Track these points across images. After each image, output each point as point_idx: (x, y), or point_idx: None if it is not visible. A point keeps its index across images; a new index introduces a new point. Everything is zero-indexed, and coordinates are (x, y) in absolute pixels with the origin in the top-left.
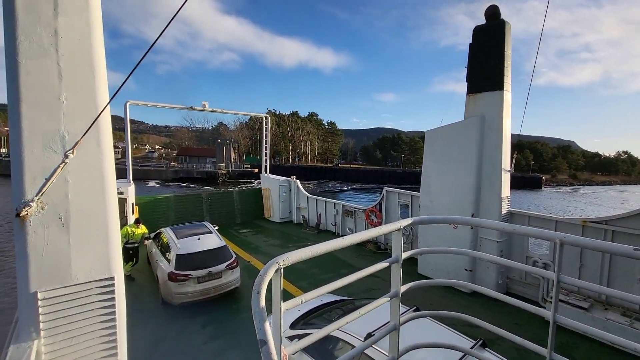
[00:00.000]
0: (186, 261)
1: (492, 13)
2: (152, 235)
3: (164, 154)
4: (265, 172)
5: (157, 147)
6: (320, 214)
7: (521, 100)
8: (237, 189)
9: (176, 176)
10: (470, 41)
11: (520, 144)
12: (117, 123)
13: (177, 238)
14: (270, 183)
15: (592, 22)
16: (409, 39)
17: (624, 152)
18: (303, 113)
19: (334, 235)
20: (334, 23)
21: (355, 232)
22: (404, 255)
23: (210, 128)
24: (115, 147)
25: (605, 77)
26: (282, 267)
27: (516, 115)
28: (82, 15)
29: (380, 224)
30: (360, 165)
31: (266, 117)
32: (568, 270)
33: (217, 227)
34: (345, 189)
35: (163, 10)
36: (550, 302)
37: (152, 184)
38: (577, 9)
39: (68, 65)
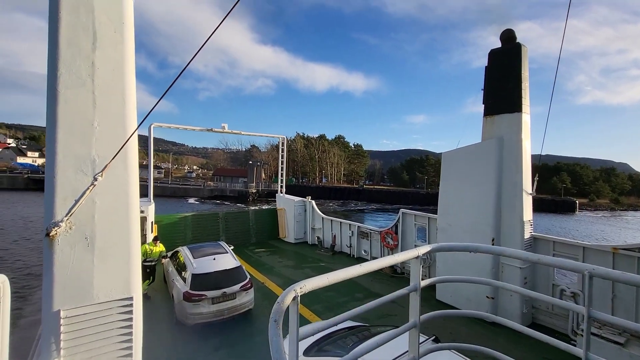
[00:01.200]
0: (201, 281)
1: (508, 37)
2: (169, 253)
3: (201, 174)
4: (281, 192)
5: (195, 167)
6: (335, 235)
7: (559, 119)
8: (251, 209)
9: (211, 194)
10: (486, 64)
11: (557, 167)
12: (161, 145)
13: (194, 257)
14: (285, 203)
15: (637, 38)
16: (439, 61)
17: None
18: (332, 135)
19: (348, 257)
20: (364, 48)
21: (370, 254)
22: (423, 283)
23: (244, 150)
24: (159, 167)
25: None
26: (299, 294)
27: (552, 137)
28: (117, 48)
29: (396, 246)
30: (384, 187)
31: (283, 139)
32: (600, 301)
33: (232, 247)
34: (366, 209)
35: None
36: (582, 335)
37: (191, 200)
38: (621, 25)
39: (102, 94)
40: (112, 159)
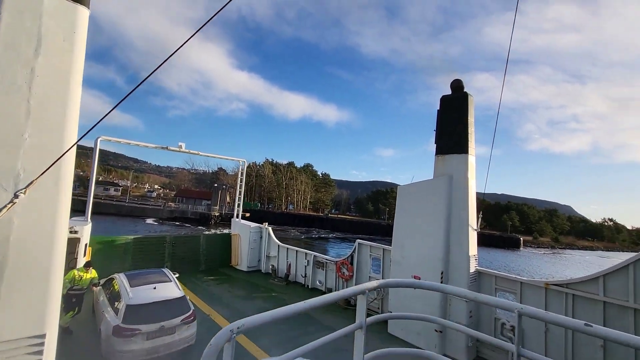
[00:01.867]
0: (137, 313)
1: (457, 86)
2: (102, 281)
3: (162, 194)
4: (237, 217)
5: (156, 186)
6: (290, 264)
7: (512, 162)
8: (204, 233)
9: (171, 215)
10: (439, 108)
11: (508, 206)
12: (121, 161)
13: (131, 286)
14: (240, 229)
15: (577, 96)
16: (407, 100)
17: (609, 219)
18: (301, 163)
19: (303, 287)
20: (339, 82)
21: (325, 284)
22: (369, 320)
23: (210, 172)
24: (116, 185)
25: (595, 146)
26: (235, 335)
27: (507, 178)
28: (64, 57)
29: (351, 277)
30: (349, 216)
31: (244, 163)
32: (534, 333)
33: (177, 275)
34: (328, 237)
35: (182, 61)
36: None
37: (149, 221)
38: (562, 84)
39: (39, 104)
40: (41, 174)
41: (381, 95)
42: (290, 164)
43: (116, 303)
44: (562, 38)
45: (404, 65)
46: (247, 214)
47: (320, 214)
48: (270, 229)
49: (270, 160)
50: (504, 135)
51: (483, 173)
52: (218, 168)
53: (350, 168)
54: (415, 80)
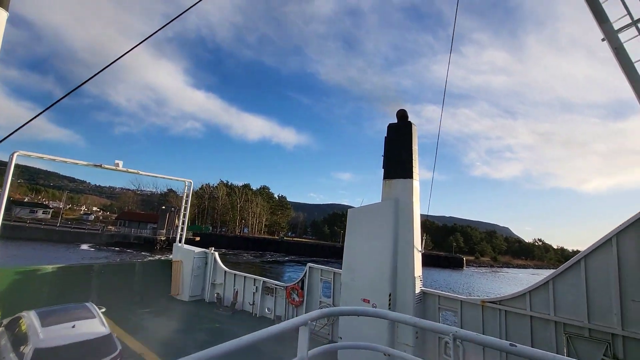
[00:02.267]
0: (49, 358)
1: (402, 115)
2: (5, 321)
3: (101, 217)
4: (180, 242)
5: (95, 208)
6: (237, 292)
7: (459, 186)
8: (140, 260)
9: (111, 240)
10: (386, 135)
11: (454, 228)
12: (53, 180)
13: (42, 325)
14: (183, 255)
15: (510, 129)
16: (364, 127)
17: (539, 239)
18: (259, 185)
19: (250, 316)
20: (298, 106)
21: (274, 312)
22: (310, 353)
23: (159, 193)
24: (45, 206)
25: (527, 174)
26: None
27: (454, 201)
28: None
29: (301, 302)
30: (304, 239)
31: (190, 184)
32: (473, 351)
33: (103, 309)
34: (281, 260)
35: (133, 77)
36: None
37: (85, 247)
38: (497, 118)
39: None
40: None
41: (340, 121)
42: (246, 186)
43: (22, 347)
44: (496, 78)
45: (361, 93)
46: (197, 238)
47: (276, 237)
48: (216, 254)
49: (225, 182)
50: (451, 162)
51: (430, 196)
52: (167, 189)
53: (308, 191)
54: (372, 108)
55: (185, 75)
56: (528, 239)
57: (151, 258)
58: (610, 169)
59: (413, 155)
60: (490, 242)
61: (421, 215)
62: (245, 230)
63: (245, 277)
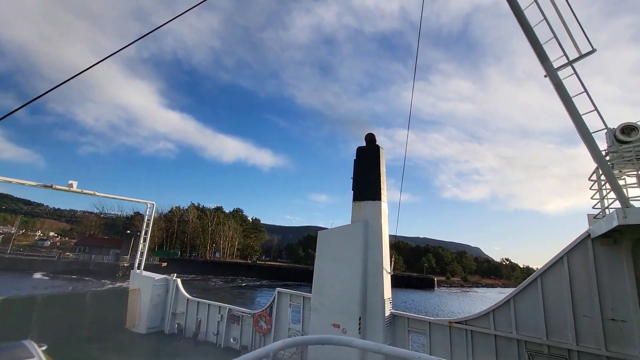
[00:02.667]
0: None
1: (370, 139)
2: None
3: (59, 242)
4: (139, 268)
5: (52, 234)
6: (200, 321)
7: (431, 208)
8: (91, 290)
9: (68, 268)
10: (355, 158)
11: (427, 248)
12: (5, 203)
13: None
14: (141, 282)
15: (476, 153)
16: (339, 149)
17: (506, 259)
18: (233, 207)
19: (214, 346)
20: (275, 129)
21: (240, 342)
22: None
23: (124, 217)
24: None
25: (493, 195)
26: None
27: (427, 223)
28: None
29: (269, 330)
30: (278, 262)
31: (152, 205)
32: None
33: (44, 347)
34: (253, 285)
35: (104, 96)
36: None
37: (38, 276)
38: (464, 142)
39: None
40: None
41: (315, 143)
42: (218, 209)
43: None
44: (462, 106)
45: (337, 117)
46: (164, 264)
47: (248, 261)
48: (179, 280)
49: (197, 204)
50: (423, 185)
51: (403, 217)
52: (134, 212)
53: (284, 213)
54: (346, 132)
55: (160, 96)
56: (497, 258)
57: (111, 286)
58: (566, 191)
59: (381, 178)
60: (460, 263)
61: (392, 236)
62: (217, 254)
63: (209, 304)
